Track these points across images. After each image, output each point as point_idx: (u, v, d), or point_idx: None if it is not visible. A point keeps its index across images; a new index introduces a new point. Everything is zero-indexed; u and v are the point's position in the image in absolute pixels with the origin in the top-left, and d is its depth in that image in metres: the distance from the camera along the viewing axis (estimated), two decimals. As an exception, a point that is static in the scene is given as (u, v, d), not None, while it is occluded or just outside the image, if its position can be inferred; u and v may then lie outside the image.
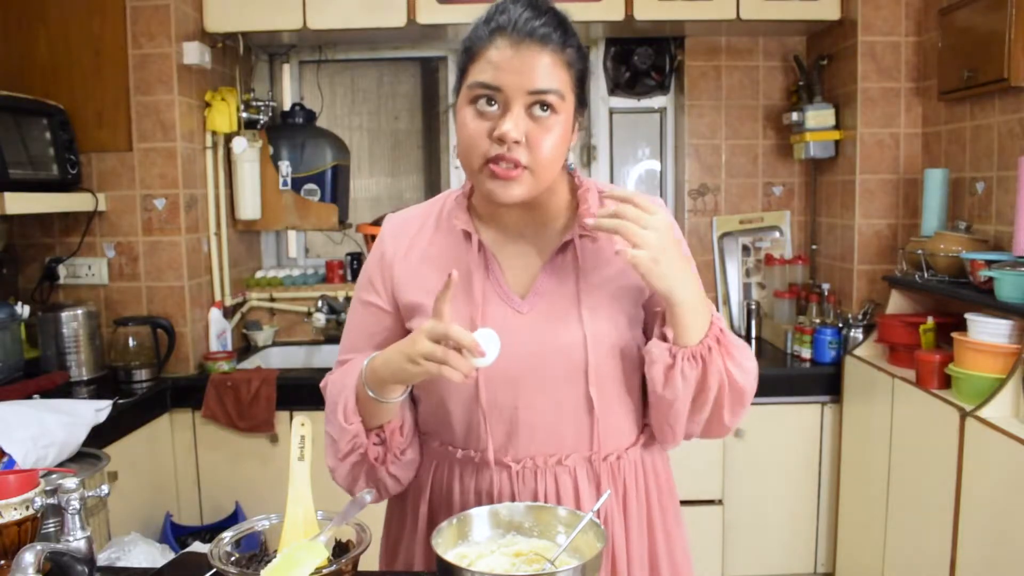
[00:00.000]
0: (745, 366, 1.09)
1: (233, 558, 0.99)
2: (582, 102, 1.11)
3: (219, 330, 2.78)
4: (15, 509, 1.03)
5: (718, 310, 3.47)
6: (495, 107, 1.04)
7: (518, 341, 1.10)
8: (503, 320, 1.12)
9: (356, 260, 3.25)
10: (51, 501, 1.07)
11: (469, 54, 1.07)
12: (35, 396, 2.18)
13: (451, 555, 0.98)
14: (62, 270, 2.64)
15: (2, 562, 1.02)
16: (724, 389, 1.07)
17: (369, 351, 1.16)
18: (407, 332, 1.18)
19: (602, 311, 1.12)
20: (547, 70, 1.03)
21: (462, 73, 1.08)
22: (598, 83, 3.23)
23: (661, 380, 1.08)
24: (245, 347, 3.09)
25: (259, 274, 3.22)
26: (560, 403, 1.11)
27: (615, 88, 3.24)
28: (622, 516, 1.16)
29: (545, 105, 1.03)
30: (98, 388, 2.45)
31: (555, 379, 1.11)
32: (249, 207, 2.97)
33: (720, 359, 1.06)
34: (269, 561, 0.95)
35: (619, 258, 1.12)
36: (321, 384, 1.22)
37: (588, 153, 3.28)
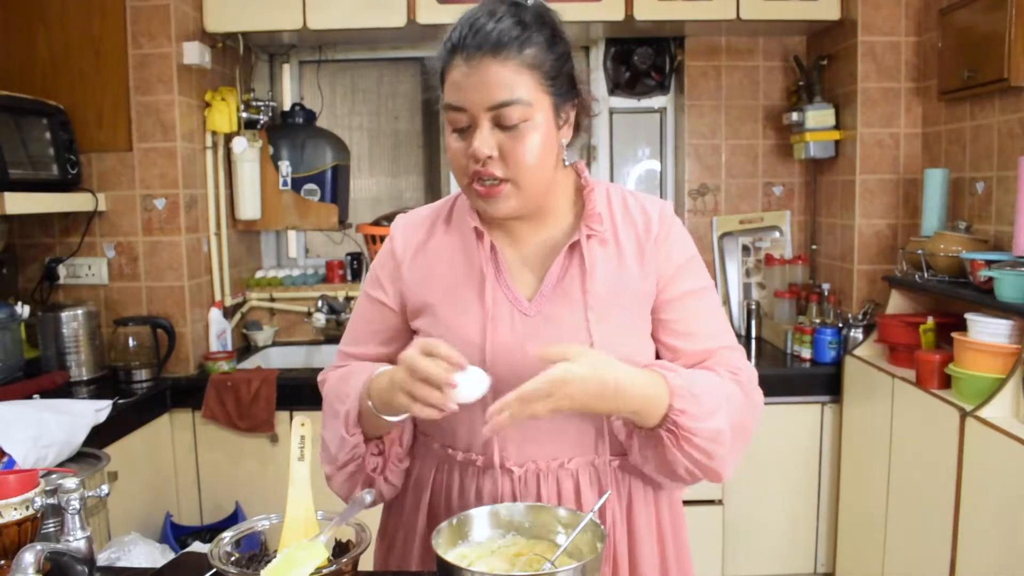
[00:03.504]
0: (709, 450, 1.03)
1: (233, 558, 0.99)
2: (565, 94, 1.07)
3: (219, 330, 2.78)
4: (15, 509, 1.03)
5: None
6: (466, 126, 1.04)
7: (525, 344, 1.09)
8: (510, 322, 1.11)
9: (356, 260, 3.25)
10: (51, 501, 1.07)
11: (440, 77, 1.07)
12: (35, 396, 2.18)
13: (451, 555, 0.98)
14: (62, 270, 2.64)
15: (2, 562, 1.02)
16: (694, 466, 1.04)
17: (372, 346, 1.17)
18: (411, 332, 1.18)
19: (608, 316, 1.10)
20: (504, 81, 1.01)
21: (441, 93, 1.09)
22: (598, 83, 3.23)
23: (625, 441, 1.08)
24: (245, 347, 3.09)
25: (259, 274, 3.22)
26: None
27: (615, 88, 3.23)
28: (625, 522, 1.15)
29: (511, 116, 1.02)
30: (98, 388, 2.45)
31: None
32: (249, 207, 2.97)
33: (675, 448, 1.02)
34: (269, 561, 0.95)
35: (628, 262, 1.12)
36: (319, 378, 1.21)
37: (588, 153, 3.28)
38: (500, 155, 1.03)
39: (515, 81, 1.01)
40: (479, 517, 1.04)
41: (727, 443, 1.04)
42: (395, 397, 0.99)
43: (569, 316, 1.10)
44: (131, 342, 2.55)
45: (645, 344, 1.14)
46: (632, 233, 1.15)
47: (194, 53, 2.59)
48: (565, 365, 0.95)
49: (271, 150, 3.08)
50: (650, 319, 1.15)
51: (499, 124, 1.02)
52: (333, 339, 3.14)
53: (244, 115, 2.90)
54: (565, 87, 1.07)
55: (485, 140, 1.02)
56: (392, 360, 1.16)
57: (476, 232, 1.15)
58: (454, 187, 3.38)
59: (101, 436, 2.07)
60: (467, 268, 1.15)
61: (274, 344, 3.14)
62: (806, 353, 2.72)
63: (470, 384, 0.97)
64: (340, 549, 1.02)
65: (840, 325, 2.68)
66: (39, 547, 0.96)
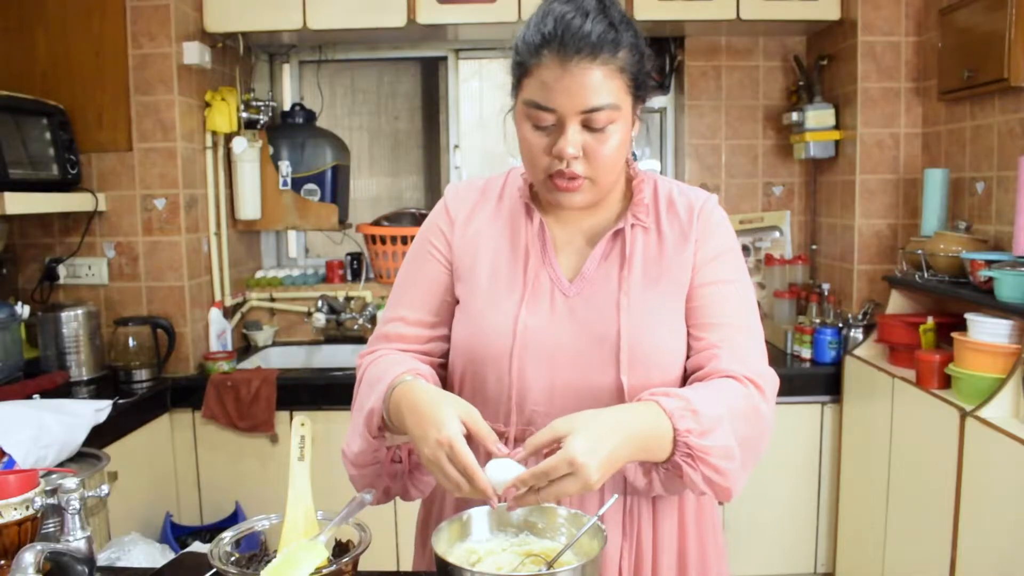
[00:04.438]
0: (723, 468, 1.01)
1: (233, 558, 0.99)
2: (643, 93, 1.10)
3: (219, 330, 2.78)
4: (15, 509, 1.03)
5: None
6: (551, 123, 1.04)
7: (560, 324, 1.11)
8: (549, 300, 1.13)
9: (356, 260, 3.25)
10: (51, 501, 1.07)
11: (522, 68, 1.06)
12: (35, 396, 2.18)
13: (460, 550, 0.99)
14: (62, 270, 2.64)
15: (2, 562, 1.02)
16: (707, 485, 1.03)
17: (421, 312, 1.18)
18: (455, 302, 1.19)
19: (642, 302, 1.11)
20: (599, 86, 1.01)
21: (517, 82, 1.08)
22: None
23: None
24: (245, 347, 3.09)
25: (259, 274, 3.22)
26: (595, 391, 1.10)
27: (615, 88, 3.23)
28: (651, 511, 1.14)
29: (600, 120, 1.03)
30: (98, 388, 2.45)
31: (591, 365, 1.10)
32: (249, 207, 2.97)
33: (694, 471, 1.00)
34: (269, 561, 0.95)
35: (668, 252, 1.13)
36: (358, 360, 1.20)
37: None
38: (584, 154, 1.05)
39: (608, 86, 1.02)
40: (480, 516, 1.04)
41: (737, 458, 1.03)
42: (419, 445, 0.98)
43: (603, 299, 1.12)
44: (131, 342, 2.55)
45: (676, 334, 1.13)
46: (676, 224, 1.16)
47: (194, 53, 2.59)
48: (565, 441, 0.91)
49: (271, 150, 3.08)
50: (683, 307, 1.14)
51: (587, 126, 1.03)
52: (333, 339, 3.14)
53: (244, 115, 2.90)
54: (644, 86, 1.09)
55: (572, 141, 1.03)
56: (434, 341, 1.18)
57: (526, 209, 1.17)
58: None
59: (101, 436, 2.07)
60: (513, 243, 1.17)
61: (274, 344, 3.14)
62: (806, 353, 2.72)
63: (499, 470, 0.94)
64: (340, 549, 1.02)
65: (840, 325, 2.68)
66: (39, 547, 0.96)
